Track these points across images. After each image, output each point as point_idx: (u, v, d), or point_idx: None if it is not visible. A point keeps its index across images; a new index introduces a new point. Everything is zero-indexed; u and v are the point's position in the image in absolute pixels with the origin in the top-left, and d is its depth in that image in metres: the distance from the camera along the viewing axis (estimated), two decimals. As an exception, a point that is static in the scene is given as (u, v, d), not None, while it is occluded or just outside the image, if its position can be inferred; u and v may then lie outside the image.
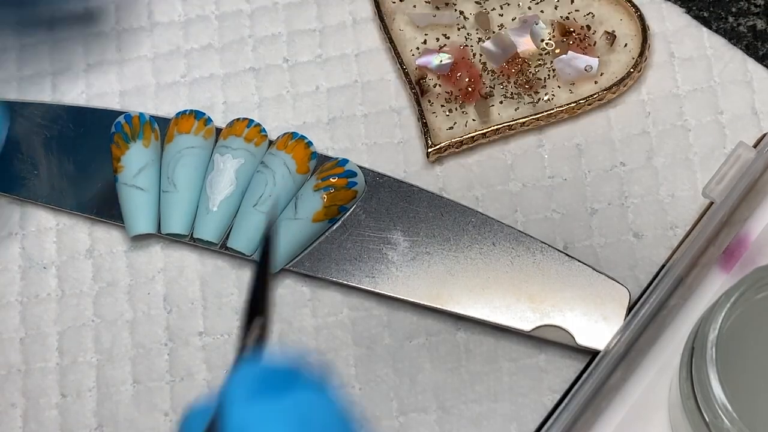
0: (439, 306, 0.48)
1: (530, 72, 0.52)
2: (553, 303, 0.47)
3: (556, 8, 0.53)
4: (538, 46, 0.52)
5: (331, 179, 0.49)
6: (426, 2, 0.53)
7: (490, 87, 0.52)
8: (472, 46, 0.52)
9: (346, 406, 0.32)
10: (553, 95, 0.51)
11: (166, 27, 0.55)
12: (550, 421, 0.43)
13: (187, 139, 0.51)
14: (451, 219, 0.49)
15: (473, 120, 0.51)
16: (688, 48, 0.53)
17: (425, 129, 0.51)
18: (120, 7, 0.55)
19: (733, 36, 0.53)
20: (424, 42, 0.53)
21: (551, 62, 0.52)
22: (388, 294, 0.48)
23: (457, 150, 0.51)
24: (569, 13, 0.53)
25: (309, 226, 0.49)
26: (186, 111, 0.52)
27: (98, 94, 0.54)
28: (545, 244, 0.48)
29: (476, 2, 0.53)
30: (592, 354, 0.47)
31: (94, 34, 0.55)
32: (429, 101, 0.52)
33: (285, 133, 0.51)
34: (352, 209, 0.50)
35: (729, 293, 0.39)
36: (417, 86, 0.52)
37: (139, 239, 0.51)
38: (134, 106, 0.53)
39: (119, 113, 0.52)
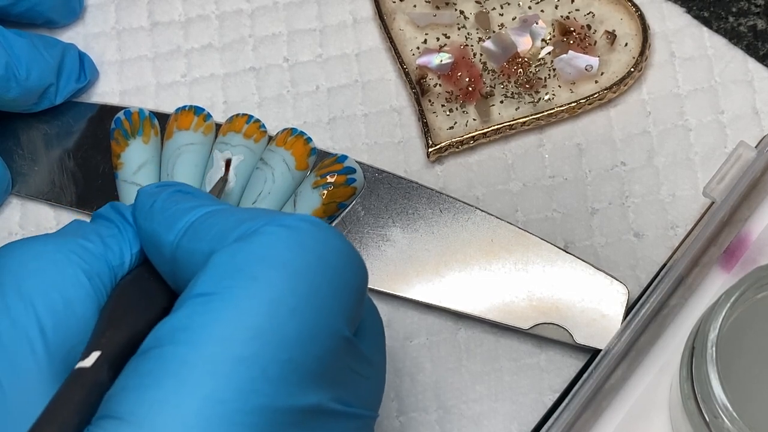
0: (437, 303, 0.48)
1: (530, 71, 0.52)
2: (551, 300, 0.47)
3: (556, 8, 0.53)
4: (539, 45, 0.52)
5: (329, 177, 0.49)
6: (426, 2, 0.53)
7: (491, 87, 0.52)
8: (472, 45, 0.52)
9: None
10: (553, 95, 0.51)
11: (167, 26, 0.55)
12: (550, 420, 0.43)
13: (186, 136, 0.51)
14: (449, 215, 0.49)
15: (474, 120, 0.51)
16: (689, 48, 0.52)
17: (426, 129, 0.51)
18: (120, 6, 0.55)
19: (733, 36, 0.53)
20: (425, 42, 0.53)
21: (551, 62, 0.52)
22: (387, 291, 0.48)
23: (457, 150, 0.51)
24: (569, 13, 0.53)
25: (308, 223, 0.49)
26: (185, 106, 0.52)
27: (98, 93, 0.54)
28: (544, 240, 0.48)
29: (476, 2, 0.53)
30: (593, 353, 0.47)
31: (94, 34, 0.55)
32: (429, 101, 0.52)
33: (284, 129, 0.51)
34: (351, 206, 0.50)
35: (729, 293, 0.39)
36: (417, 86, 0.52)
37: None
38: (134, 105, 0.53)
39: (119, 108, 0.52)
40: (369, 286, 0.48)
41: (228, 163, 0.49)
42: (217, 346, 0.32)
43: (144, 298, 0.38)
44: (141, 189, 0.40)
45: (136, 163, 0.50)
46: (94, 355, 0.35)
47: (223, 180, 0.49)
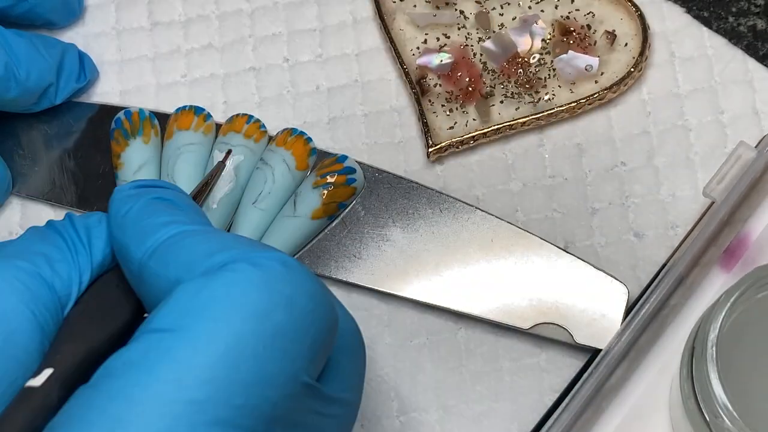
0: (437, 303, 0.48)
1: (530, 71, 0.52)
2: (551, 300, 0.47)
3: (556, 8, 0.53)
4: (538, 45, 0.52)
5: (329, 177, 0.49)
6: (426, 2, 0.53)
7: (491, 87, 0.52)
8: (472, 45, 0.52)
9: None
10: (553, 95, 0.51)
11: (167, 26, 0.55)
12: (550, 420, 0.43)
13: (186, 136, 0.51)
14: (450, 215, 0.49)
15: (474, 119, 0.51)
16: (689, 48, 0.53)
17: (426, 129, 0.51)
18: (120, 6, 0.55)
19: (733, 36, 0.53)
20: (425, 41, 0.53)
21: (551, 62, 0.52)
22: (387, 291, 0.48)
23: (457, 150, 0.51)
24: (569, 13, 0.53)
25: (308, 223, 0.49)
26: (186, 106, 0.52)
27: (98, 93, 0.54)
28: (544, 240, 0.48)
29: (476, 2, 0.53)
30: (593, 353, 0.47)
31: (94, 34, 0.55)
32: (429, 101, 0.52)
33: (284, 129, 0.51)
34: (351, 206, 0.50)
35: (729, 293, 0.39)
36: (417, 86, 0.52)
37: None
38: (134, 105, 0.53)
39: (119, 108, 0.52)
40: (369, 285, 0.48)
41: (228, 153, 0.49)
42: (169, 387, 0.31)
43: (109, 310, 0.37)
44: (117, 190, 0.38)
45: (136, 163, 0.50)
46: (46, 373, 0.33)
47: (221, 165, 0.49)
